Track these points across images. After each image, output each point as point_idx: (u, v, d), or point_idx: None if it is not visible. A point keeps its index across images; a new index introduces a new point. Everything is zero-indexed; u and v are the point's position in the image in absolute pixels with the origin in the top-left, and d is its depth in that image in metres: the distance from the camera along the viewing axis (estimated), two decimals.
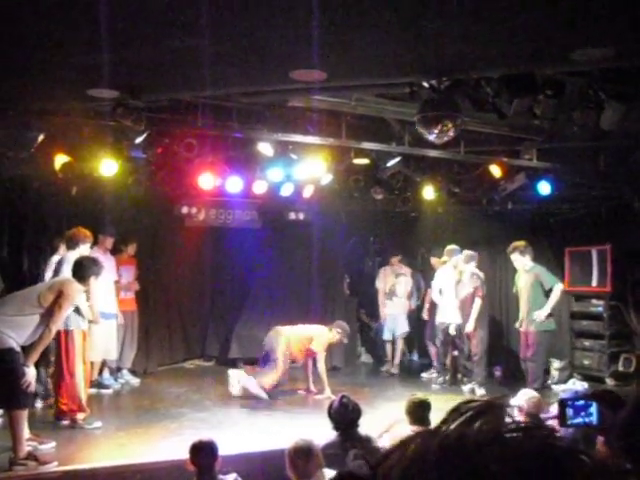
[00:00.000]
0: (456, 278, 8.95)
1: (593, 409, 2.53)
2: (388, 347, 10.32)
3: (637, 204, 8.50)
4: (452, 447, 0.69)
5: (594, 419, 2.53)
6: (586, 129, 5.83)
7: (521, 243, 8.31)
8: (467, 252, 8.91)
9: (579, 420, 2.54)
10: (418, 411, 4.77)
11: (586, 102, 5.38)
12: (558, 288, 8.21)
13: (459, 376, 9.20)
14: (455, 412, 0.74)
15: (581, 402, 2.55)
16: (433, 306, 9.61)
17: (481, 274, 8.97)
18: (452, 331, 8.94)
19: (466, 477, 0.67)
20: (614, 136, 6.39)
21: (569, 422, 2.56)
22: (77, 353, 6.41)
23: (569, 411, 2.54)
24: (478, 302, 8.66)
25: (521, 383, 7.88)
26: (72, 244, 6.72)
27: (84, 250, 6.73)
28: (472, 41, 4.10)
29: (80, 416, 6.40)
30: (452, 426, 0.72)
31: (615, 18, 3.67)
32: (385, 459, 0.74)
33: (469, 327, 8.61)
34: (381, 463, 0.74)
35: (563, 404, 2.56)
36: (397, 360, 10.21)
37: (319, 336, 8.22)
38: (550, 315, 8.21)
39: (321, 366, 8.15)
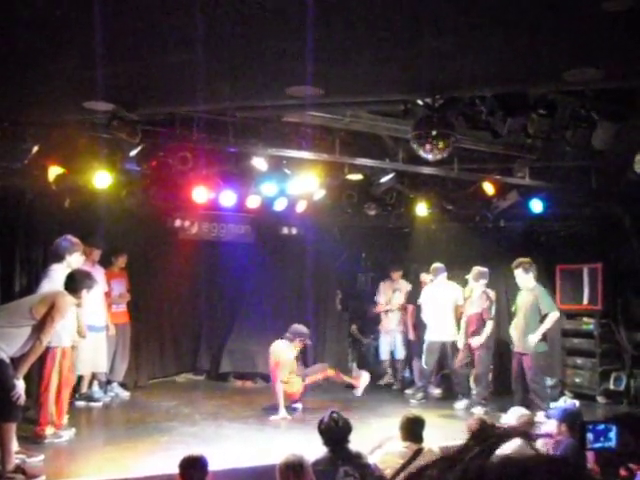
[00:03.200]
0: (466, 295, 8.91)
1: (612, 433, 2.52)
2: (386, 364, 10.36)
3: (628, 223, 8.56)
4: None
5: (613, 443, 2.52)
6: (578, 148, 5.88)
7: (526, 260, 8.12)
8: (477, 269, 8.78)
9: (598, 445, 2.53)
10: (411, 427, 4.76)
11: (578, 121, 5.44)
12: (554, 315, 8.03)
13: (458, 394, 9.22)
14: (475, 439, 0.70)
15: (602, 426, 2.54)
16: (419, 324, 9.62)
17: (492, 293, 8.92)
18: (448, 348, 8.90)
19: None
20: (606, 155, 6.44)
21: (589, 447, 2.55)
22: (54, 370, 6.38)
23: (589, 436, 2.53)
24: (490, 324, 8.59)
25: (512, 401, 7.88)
26: (58, 257, 6.66)
27: (73, 260, 6.69)
28: (466, 60, 4.15)
29: (49, 431, 6.33)
30: (472, 456, 0.68)
31: (606, 40, 3.72)
32: None
33: (475, 343, 8.58)
34: None
35: (584, 428, 2.55)
36: (399, 375, 10.24)
37: (281, 352, 8.02)
38: (543, 338, 8.11)
39: (279, 385, 7.80)
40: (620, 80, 4.67)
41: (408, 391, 9.59)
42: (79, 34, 3.66)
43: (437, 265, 9.22)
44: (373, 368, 10.63)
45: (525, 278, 8.14)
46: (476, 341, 8.58)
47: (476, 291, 8.75)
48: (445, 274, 9.17)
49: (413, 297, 9.97)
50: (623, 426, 2.58)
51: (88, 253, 7.89)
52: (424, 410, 6.91)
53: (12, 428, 5.31)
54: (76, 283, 6.04)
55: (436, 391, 9.61)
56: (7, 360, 5.38)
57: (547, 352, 8.24)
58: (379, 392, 9.91)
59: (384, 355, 10.31)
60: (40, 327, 5.51)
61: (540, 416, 7.47)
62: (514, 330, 8.25)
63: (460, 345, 8.82)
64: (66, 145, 6.76)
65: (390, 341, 10.20)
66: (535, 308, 8.03)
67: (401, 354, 10.17)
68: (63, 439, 6.40)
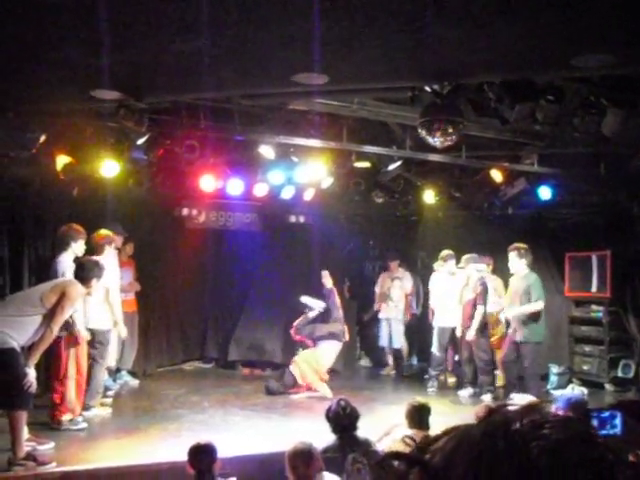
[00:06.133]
0: (464, 282, 8.88)
1: (618, 420, 2.53)
2: (385, 352, 10.34)
3: (636, 210, 8.52)
4: (496, 432, 0.73)
5: (618, 430, 2.53)
6: (587, 135, 5.84)
7: (522, 245, 8.08)
8: (465, 256, 8.83)
9: (604, 432, 2.54)
10: (417, 415, 4.77)
11: (587, 108, 5.40)
12: (540, 304, 7.93)
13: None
14: (494, 412, 0.78)
15: (606, 413, 2.55)
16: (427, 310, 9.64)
17: (491, 279, 8.86)
18: (458, 333, 8.84)
19: (506, 458, 0.70)
20: (614, 142, 6.40)
21: None
22: (71, 357, 6.44)
23: (594, 422, 2.54)
24: (480, 310, 8.50)
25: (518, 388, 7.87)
26: (64, 244, 6.69)
27: (77, 247, 6.71)
28: (473, 47, 4.11)
29: (66, 417, 6.39)
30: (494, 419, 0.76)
31: (615, 25, 3.69)
32: (431, 443, 0.78)
33: (469, 335, 8.51)
34: (427, 446, 0.78)
35: (588, 416, 2.56)
36: (402, 363, 10.25)
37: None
38: (535, 323, 7.98)
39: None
40: (629, 66, 4.63)
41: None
42: (85, 22, 3.65)
43: (447, 252, 9.20)
44: (379, 356, 10.68)
45: (518, 262, 8.08)
46: (469, 334, 8.48)
47: (472, 277, 8.73)
48: (454, 261, 9.13)
49: (424, 284, 10.01)
50: (628, 413, 2.59)
51: (115, 241, 7.76)
52: (431, 397, 6.92)
53: (23, 416, 5.35)
54: (86, 272, 6.05)
55: (451, 379, 9.57)
56: (18, 349, 5.40)
57: (542, 343, 8.14)
58: (385, 379, 9.94)
59: (383, 342, 10.31)
60: (51, 316, 5.54)
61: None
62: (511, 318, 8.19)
63: (458, 333, 8.80)
64: (73, 134, 6.78)
65: (388, 329, 10.21)
66: (527, 295, 7.98)
67: (398, 344, 10.17)
68: (79, 427, 6.45)
